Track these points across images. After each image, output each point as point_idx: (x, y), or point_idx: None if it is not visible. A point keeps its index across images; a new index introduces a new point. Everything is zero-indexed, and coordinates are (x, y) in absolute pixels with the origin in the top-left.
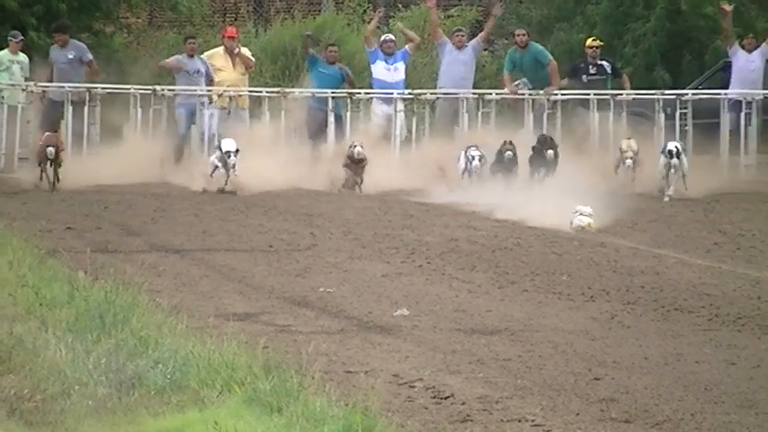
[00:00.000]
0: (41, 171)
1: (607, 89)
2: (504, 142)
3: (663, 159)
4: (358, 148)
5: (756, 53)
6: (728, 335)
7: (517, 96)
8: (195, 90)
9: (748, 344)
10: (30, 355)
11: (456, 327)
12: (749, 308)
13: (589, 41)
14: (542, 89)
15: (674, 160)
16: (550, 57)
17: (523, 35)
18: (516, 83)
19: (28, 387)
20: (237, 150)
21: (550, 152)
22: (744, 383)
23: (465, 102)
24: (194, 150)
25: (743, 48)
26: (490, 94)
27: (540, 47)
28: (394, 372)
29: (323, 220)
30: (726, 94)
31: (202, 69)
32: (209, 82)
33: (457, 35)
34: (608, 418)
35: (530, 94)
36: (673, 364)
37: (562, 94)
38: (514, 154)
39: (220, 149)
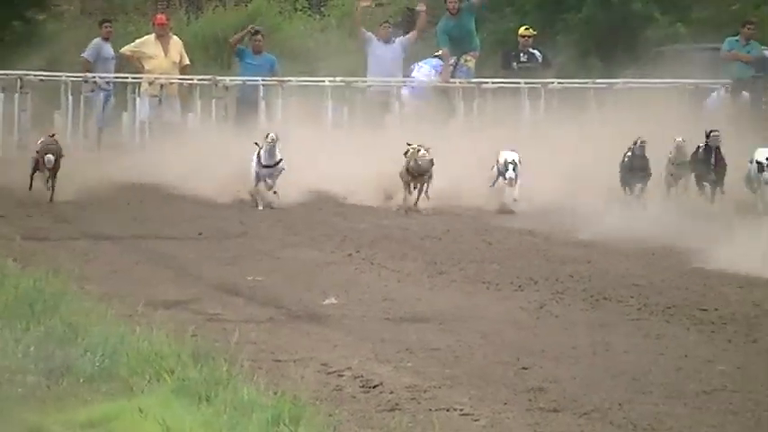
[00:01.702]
0: (32, 179)
1: (538, 77)
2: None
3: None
4: (422, 152)
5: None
6: (657, 325)
7: (450, 84)
8: (120, 77)
9: (677, 334)
10: None
11: (385, 316)
12: (678, 298)
13: (522, 30)
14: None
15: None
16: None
17: (455, 2)
18: (452, 63)
19: None
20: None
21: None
22: (672, 373)
23: (396, 91)
24: (126, 136)
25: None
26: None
27: (470, 15)
28: (323, 361)
29: (253, 208)
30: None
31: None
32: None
33: (383, 28)
34: (536, 407)
35: (459, 82)
36: (601, 354)
37: (492, 83)
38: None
39: (261, 163)
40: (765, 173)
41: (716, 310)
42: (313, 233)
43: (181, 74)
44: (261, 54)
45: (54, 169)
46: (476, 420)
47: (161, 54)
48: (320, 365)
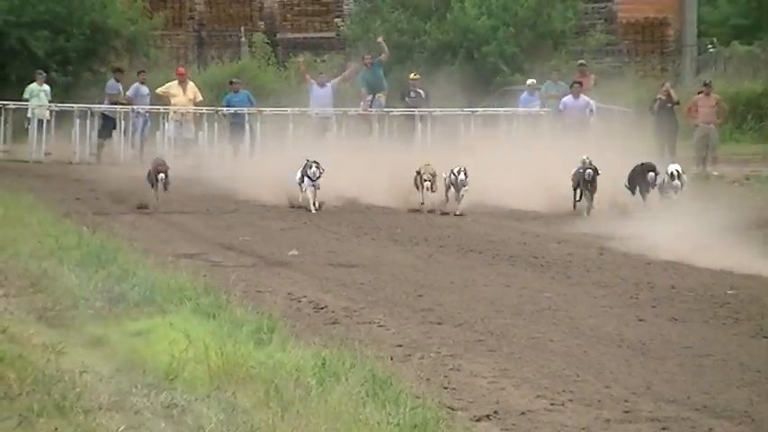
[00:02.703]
0: (154, 190)
1: (422, 107)
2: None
3: None
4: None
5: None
6: (505, 268)
7: (368, 112)
8: (157, 108)
9: (518, 274)
10: (51, 281)
11: (328, 262)
12: (518, 250)
13: (411, 75)
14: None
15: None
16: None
17: (370, 58)
18: (369, 99)
19: (50, 302)
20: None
21: (651, 174)
22: (515, 298)
23: (334, 118)
24: (157, 146)
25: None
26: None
27: (379, 67)
28: (288, 291)
29: (236, 192)
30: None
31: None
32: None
33: (321, 77)
34: (427, 321)
35: (376, 111)
36: (469, 286)
37: (397, 111)
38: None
39: (307, 175)
40: (675, 180)
41: (543, 257)
42: (280, 210)
43: (195, 106)
44: (238, 92)
45: (165, 184)
46: (387, 330)
47: (181, 93)
48: (286, 294)
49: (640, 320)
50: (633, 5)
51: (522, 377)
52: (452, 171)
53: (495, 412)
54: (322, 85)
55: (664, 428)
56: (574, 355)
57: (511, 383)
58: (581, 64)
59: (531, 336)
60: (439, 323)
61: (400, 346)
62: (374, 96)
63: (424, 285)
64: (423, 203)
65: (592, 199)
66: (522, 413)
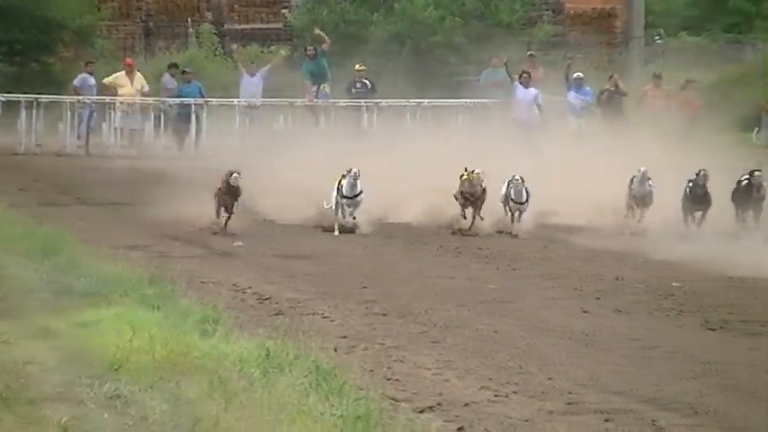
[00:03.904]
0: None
1: (368, 99)
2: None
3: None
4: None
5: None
6: (451, 259)
7: (314, 103)
8: (103, 98)
9: (464, 265)
10: None
11: (274, 253)
12: (464, 241)
13: (357, 66)
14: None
15: None
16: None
17: (312, 49)
18: (313, 90)
19: None
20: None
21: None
22: (461, 290)
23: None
24: (104, 137)
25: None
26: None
27: (323, 57)
28: (233, 282)
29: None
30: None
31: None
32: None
33: (252, 66)
34: (371, 312)
35: (323, 102)
36: (415, 278)
37: (343, 102)
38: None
39: (342, 194)
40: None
41: (487, 248)
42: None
43: (142, 96)
44: (190, 83)
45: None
46: (332, 321)
47: (129, 84)
48: (231, 285)
49: (585, 312)
50: None
51: (466, 369)
52: (511, 180)
53: (439, 404)
54: (252, 74)
55: (608, 420)
56: (518, 347)
57: (455, 375)
58: (530, 55)
59: (476, 327)
60: (384, 315)
61: (344, 337)
62: (319, 87)
63: (369, 277)
64: (465, 219)
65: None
66: (466, 405)
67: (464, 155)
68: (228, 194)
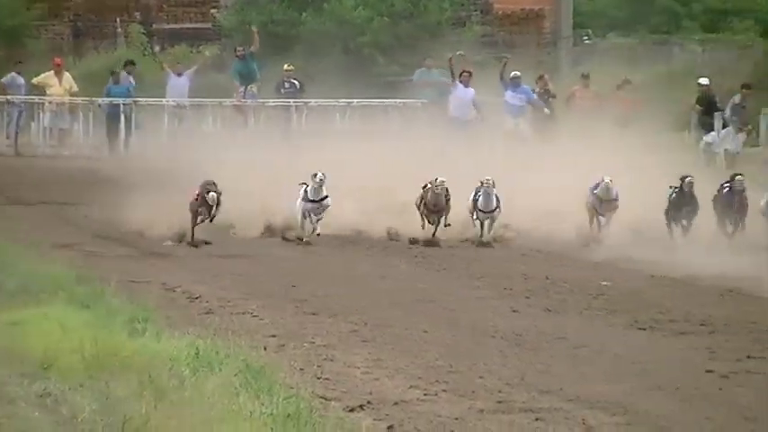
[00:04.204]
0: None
1: (297, 98)
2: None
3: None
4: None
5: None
6: (382, 259)
7: (242, 103)
8: (32, 98)
9: (395, 264)
10: None
11: (204, 254)
12: (391, 242)
13: (285, 67)
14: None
15: None
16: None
17: (242, 50)
18: (241, 90)
19: None
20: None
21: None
22: (391, 289)
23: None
24: (33, 137)
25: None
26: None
27: (252, 58)
28: (163, 281)
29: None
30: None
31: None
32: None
33: (178, 66)
34: (301, 311)
35: (252, 102)
36: (348, 277)
37: (272, 102)
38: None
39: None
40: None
41: (418, 248)
42: (159, 198)
43: (71, 96)
44: (118, 84)
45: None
46: (262, 320)
47: (57, 84)
48: (161, 284)
49: (515, 312)
50: None
51: (396, 367)
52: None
53: (369, 402)
54: (179, 74)
55: (537, 419)
56: (448, 346)
57: (385, 374)
58: (460, 55)
59: (406, 327)
60: (314, 314)
61: (274, 336)
62: (246, 87)
63: (299, 276)
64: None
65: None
66: (396, 403)
67: (396, 154)
68: (204, 206)
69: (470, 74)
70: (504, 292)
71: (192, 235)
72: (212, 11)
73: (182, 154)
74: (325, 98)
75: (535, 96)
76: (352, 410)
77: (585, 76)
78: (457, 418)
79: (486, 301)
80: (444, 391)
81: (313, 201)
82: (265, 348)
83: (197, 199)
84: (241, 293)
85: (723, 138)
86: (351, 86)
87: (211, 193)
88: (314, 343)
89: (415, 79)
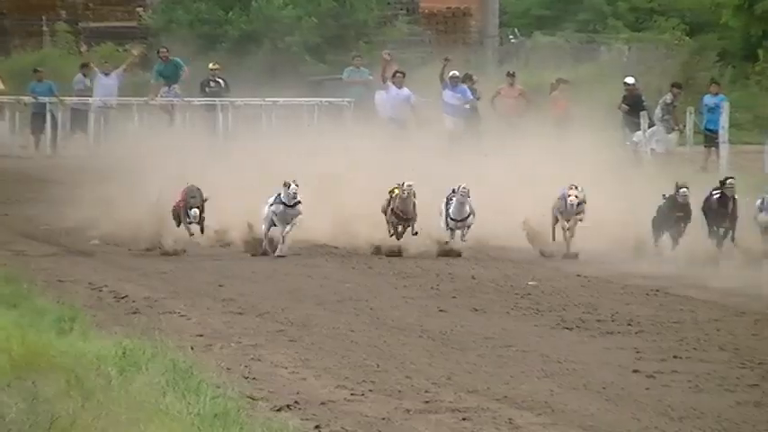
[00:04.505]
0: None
1: (222, 97)
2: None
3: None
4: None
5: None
6: (306, 258)
7: (164, 101)
8: None
9: (320, 263)
10: None
11: (131, 252)
12: (321, 245)
13: (210, 65)
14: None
15: None
16: (184, 65)
17: (166, 52)
18: (164, 90)
19: None
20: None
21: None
22: (317, 289)
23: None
24: None
25: None
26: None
27: (178, 59)
28: (89, 280)
29: (38, 182)
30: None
31: None
32: None
33: (104, 66)
34: (228, 311)
35: (177, 101)
36: (271, 277)
37: (197, 101)
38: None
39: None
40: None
41: (344, 248)
42: (85, 197)
43: None
44: (42, 81)
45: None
46: (189, 320)
47: None
48: (87, 284)
49: (441, 311)
50: None
51: (323, 367)
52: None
53: (296, 402)
54: (106, 74)
55: (464, 419)
56: (375, 346)
57: (312, 374)
58: (387, 54)
59: (333, 326)
60: (240, 313)
61: (201, 335)
62: (169, 87)
63: (226, 276)
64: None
65: None
66: (323, 403)
67: (322, 152)
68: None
69: (403, 74)
70: (431, 292)
71: (188, 234)
72: (138, 9)
73: (109, 152)
74: (252, 97)
75: (471, 96)
76: (279, 410)
77: (511, 75)
78: (384, 418)
79: (413, 300)
80: (371, 390)
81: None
82: (192, 348)
83: (180, 206)
84: (167, 292)
85: (650, 137)
86: (277, 85)
87: (194, 210)
88: (241, 342)
89: (344, 77)
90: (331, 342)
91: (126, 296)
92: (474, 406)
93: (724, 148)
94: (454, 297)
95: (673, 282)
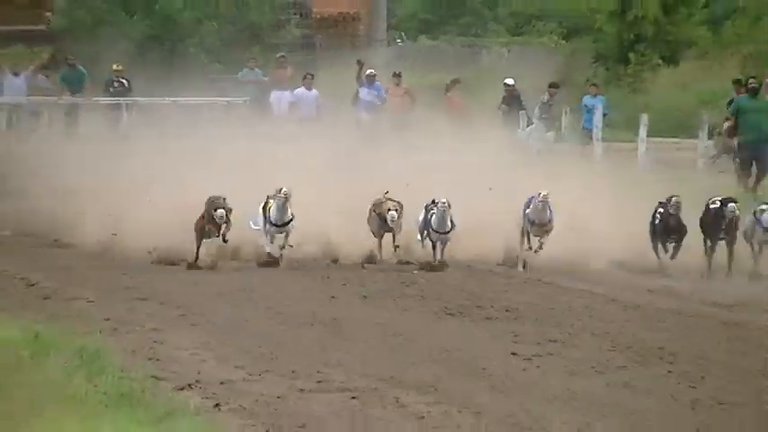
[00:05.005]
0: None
1: (126, 96)
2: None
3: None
4: (392, 213)
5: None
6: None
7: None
8: None
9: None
10: None
11: (41, 243)
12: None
13: (114, 66)
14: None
15: None
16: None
17: (72, 58)
18: (67, 95)
19: None
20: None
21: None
22: (215, 279)
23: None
24: None
25: None
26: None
27: (83, 69)
28: (3, 268)
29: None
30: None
31: None
32: None
33: (15, 66)
34: (133, 298)
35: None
36: (173, 267)
37: (103, 100)
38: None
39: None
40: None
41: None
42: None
43: None
44: None
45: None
46: (96, 306)
47: None
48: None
49: (333, 298)
50: (328, 1)
51: (222, 351)
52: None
53: (197, 381)
54: (16, 74)
55: (353, 398)
56: (270, 333)
57: (211, 356)
58: (281, 56)
59: (230, 315)
60: (143, 299)
61: (108, 320)
62: (74, 93)
63: (130, 267)
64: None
65: None
66: (222, 383)
67: (224, 149)
68: (212, 224)
69: (312, 76)
70: (322, 281)
71: (197, 256)
72: (47, 13)
73: (17, 152)
74: (153, 96)
75: (384, 94)
76: (181, 389)
77: (397, 75)
78: (279, 397)
79: (305, 290)
80: (267, 371)
81: (276, 224)
82: (100, 332)
83: (203, 217)
84: (75, 281)
85: (529, 135)
86: (177, 85)
87: (219, 210)
88: (144, 327)
89: (239, 77)
90: (229, 329)
91: (36, 283)
92: (363, 386)
93: (599, 146)
94: (344, 285)
95: (547, 271)
